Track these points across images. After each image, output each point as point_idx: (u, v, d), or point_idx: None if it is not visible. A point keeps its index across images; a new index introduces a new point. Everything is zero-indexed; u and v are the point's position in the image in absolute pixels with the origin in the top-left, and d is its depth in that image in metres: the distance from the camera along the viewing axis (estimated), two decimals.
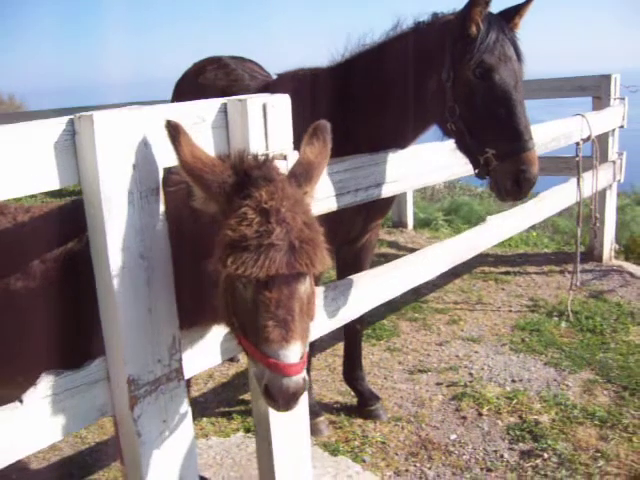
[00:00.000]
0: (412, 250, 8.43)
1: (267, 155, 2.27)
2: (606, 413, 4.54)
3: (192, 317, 2.49)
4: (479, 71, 3.24)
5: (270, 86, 4.26)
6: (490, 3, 3.25)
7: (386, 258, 7.93)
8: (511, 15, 3.43)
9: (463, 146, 3.43)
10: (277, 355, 1.97)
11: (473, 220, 9.92)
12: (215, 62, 4.88)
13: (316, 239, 2.06)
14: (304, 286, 2.08)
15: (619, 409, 4.60)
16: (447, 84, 3.32)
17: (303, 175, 2.22)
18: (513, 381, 5.06)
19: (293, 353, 1.98)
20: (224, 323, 2.24)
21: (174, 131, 2.09)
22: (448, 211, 10.59)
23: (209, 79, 4.71)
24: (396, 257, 7.80)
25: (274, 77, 4.71)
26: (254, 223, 1.99)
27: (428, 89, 3.44)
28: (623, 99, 7.32)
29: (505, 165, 3.24)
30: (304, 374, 2.03)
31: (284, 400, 2.01)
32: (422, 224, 10.06)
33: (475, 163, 3.39)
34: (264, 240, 1.97)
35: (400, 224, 9.74)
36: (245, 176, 2.09)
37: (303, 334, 2.05)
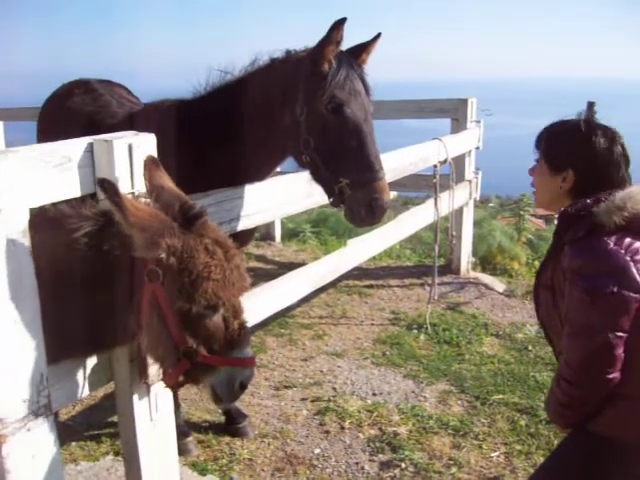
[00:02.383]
0: (280, 264, 8.63)
1: (133, 194, 2.44)
2: (459, 422, 4.82)
3: (61, 352, 2.56)
4: (331, 106, 3.43)
5: (135, 116, 4.31)
6: (341, 42, 3.46)
7: (254, 272, 8.08)
8: (359, 52, 3.66)
9: (318, 176, 3.61)
10: (247, 353, 2.44)
11: (340, 231, 10.17)
12: (83, 86, 4.85)
13: None
14: None
15: (471, 418, 4.91)
16: (301, 118, 3.49)
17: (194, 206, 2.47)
18: (374, 394, 5.29)
19: None
20: (171, 357, 2.41)
21: (113, 191, 2.20)
22: (316, 222, 10.76)
23: (77, 103, 4.68)
24: (264, 271, 8.02)
25: (141, 103, 4.78)
26: (220, 254, 2.33)
27: (283, 122, 3.61)
28: (479, 122, 7.75)
29: (358, 194, 3.44)
30: None
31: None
32: (290, 235, 10.24)
33: (330, 192, 3.58)
34: (232, 265, 2.36)
35: (268, 236, 9.87)
36: (184, 219, 2.34)
37: None
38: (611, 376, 2.45)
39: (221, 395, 2.49)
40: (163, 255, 2.26)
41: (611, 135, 2.69)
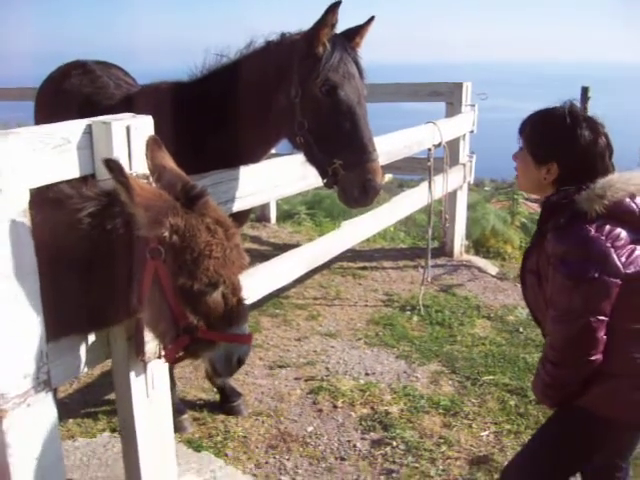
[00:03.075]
0: (274, 245, 8.69)
1: (131, 174, 2.51)
2: (450, 402, 4.91)
3: (62, 330, 2.62)
4: (325, 88, 3.48)
5: (133, 98, 4.34)
6: (336, 25, 3.50)
7: (249, 253, 8.11)
8: (353, 35, 3.70)
9: (312, 158, 3.66)
10: (245, 330, 2.55)
11: (335, 213, 10.22)
12: (80, 67, 4.86)
13: None
14: None
15: (461, 398, 4.99)
16: (295, 100, 3.54)
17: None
18: (367, 374, 5.38)
19: None
20: (171, 333, 2.49)
21: (118, 171, 2.26)
22: (311, 204, 10.80)
23: (74, 85, 4.69)
24: (259, 252, 8.07)
25: (138, 85, 4.81)
26: (221, 233, 2.41)
27: (278, 105, 3.65)
28: (474, 106, 7.79)
29: (352, 175, 3.49)
30: None
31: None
32: (285, 216, 10.29)
33: (323, 173, 3.63)
34: (232, 244, 2.43)
35: (263, 218, 9.92)
36: (187, 198, 2.40)
37: None
38: (593, 358, 2.54)
39: (219, 370, 2.58)
40: (166, 233, 2.32)
41: (595, 126, 2.71)
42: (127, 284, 2.46)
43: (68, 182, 2.52)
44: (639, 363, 2.58)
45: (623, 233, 2.56)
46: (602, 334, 2.52)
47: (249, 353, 2.65)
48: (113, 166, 2.25)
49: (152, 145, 2.66)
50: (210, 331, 2.46)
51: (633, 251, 2.55)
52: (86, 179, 2.58)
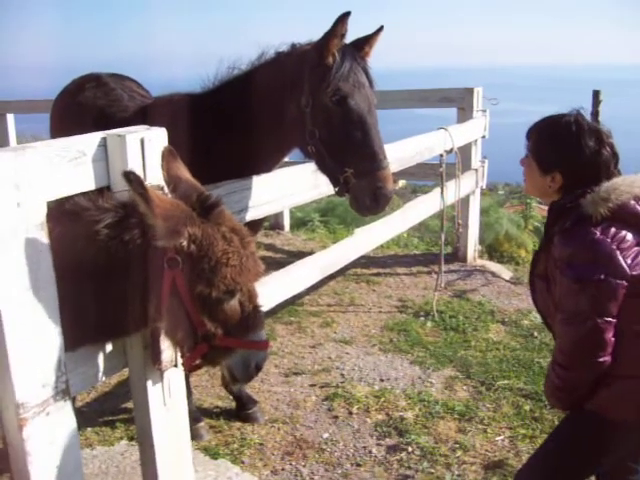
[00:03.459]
0: (289, 252, 8.72)
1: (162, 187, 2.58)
2: (464, 407, 4.91)
3: (81, 340, 2.66)
4: (336, 98, 3.51)
5: (146, 109, 4.39)
6: (345, 35, 3.54)
7: (264, 261, 8.14)
8: (362, 45, 3.73)
9: (323, 167, 3.71)
10: (262, 336, 2.59)
11: (348, 220, 10.24)
12: (94, 80, 4.91)
13: None
14: None
15: (476, 403, 5.00)
16: (306, 110, 3.58)
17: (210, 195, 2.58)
18: (381, 380, 5.39)
19: None
20: (190, 341, 2.53)
21: (138, 183, 2.30)
22: (325, 211, 10.82)
23: (88, 98, 4.74)
24: (273, 259, 8.11)
25: (152, 96, 4.86)
26: (237, 242, 2.45)
27: (289, 114, 3.69)
28: (485, 111, 7.81)
29: (363, 183, 3.53)
30: None
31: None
32: (299, 224, 10.33)
33: (335, 182, 3.68)
34: (248, 252, 2.47)
35: (277, 226, 9.94)
36: (202, 208, 2.45)
37: None
38: (602, 359, 2.56)
39: (237, 376, 2.63)
40: (184, 243, 2.36)
41: (600, 136, 2.73)
42: (144, 294, 2.49)
43: (84, 194, 2.56)
44: None
45: (629, 235, 2.59)
46: (610, 336, 2.55)
47: (266, 359, 2.69)
48: (132, 178, 2.29)
49: (168, 156, 2.71)
50: (228, 338, 2.50)
51: (639, 253, 2.58)
52: (102, 191, 2.62)
